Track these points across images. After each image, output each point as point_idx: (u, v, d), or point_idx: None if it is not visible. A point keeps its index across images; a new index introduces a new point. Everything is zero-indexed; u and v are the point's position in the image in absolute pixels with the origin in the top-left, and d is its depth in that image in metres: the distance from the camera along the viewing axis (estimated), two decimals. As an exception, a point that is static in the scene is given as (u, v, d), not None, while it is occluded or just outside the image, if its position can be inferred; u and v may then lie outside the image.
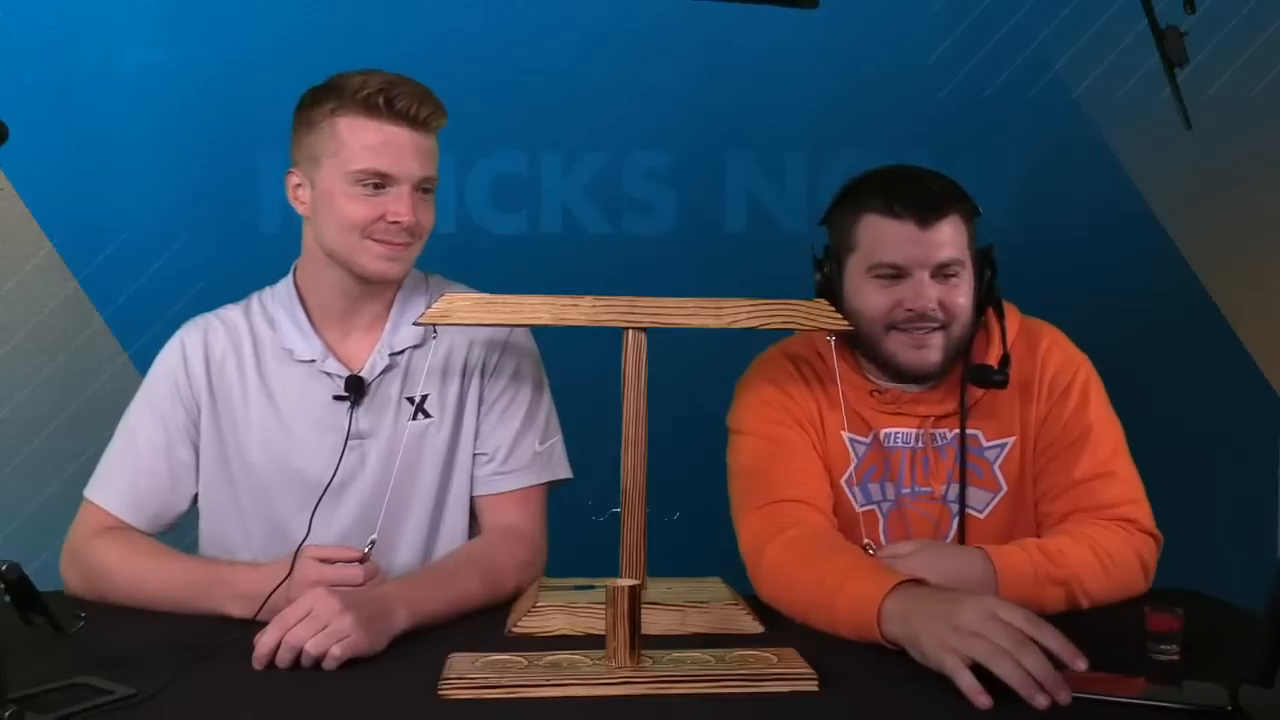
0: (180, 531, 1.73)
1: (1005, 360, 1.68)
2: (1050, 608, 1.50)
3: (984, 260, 1.71)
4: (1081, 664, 1.19)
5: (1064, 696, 1.16)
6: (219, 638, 1.38)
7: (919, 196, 1.65)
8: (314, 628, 1.31)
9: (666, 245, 2.74)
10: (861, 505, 1.69)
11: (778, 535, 1.58)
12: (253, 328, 1.73)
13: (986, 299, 1.71)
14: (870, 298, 1.68)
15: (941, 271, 1.66)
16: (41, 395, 2.62)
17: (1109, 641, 1.34)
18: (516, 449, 1.73)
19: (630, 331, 1.45)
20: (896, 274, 1.66)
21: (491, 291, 1.52)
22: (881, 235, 1.66)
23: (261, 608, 1.45)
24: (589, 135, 2.73)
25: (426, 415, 1.71)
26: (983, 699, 1.18)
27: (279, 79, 2.56)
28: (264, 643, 1.31)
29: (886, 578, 1.38)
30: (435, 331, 1.67)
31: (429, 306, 1.53)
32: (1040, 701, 1.16)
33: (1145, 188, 2.82)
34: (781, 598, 1.54)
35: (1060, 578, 1.53)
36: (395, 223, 1.61)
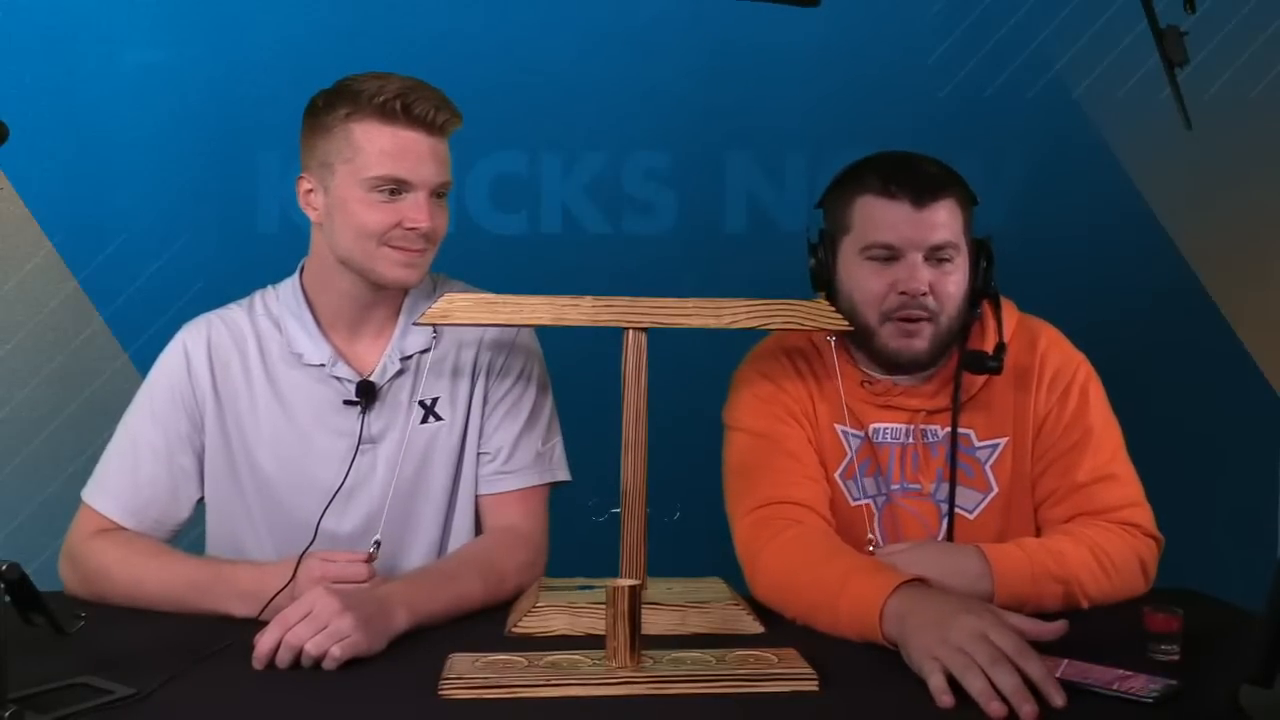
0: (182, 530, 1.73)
1: (1000, 348, 1.66)
2: (1049, 606, 1.50)
3: (980, 251, 1.69)
4: (1059, 700, 1.17)
5: (1028, 711, 1.15)
6: (219, 638, 1.38)
7: (915, 177, 1.64)
8: (314, 628, 1.31)
9: (666, 245, 2.74)
10: (856, 500, 1.69)
11: (775, 537, 1.58)
12: (257, 328, 1.71)
13: (983, 290, 1.70)
14: (863, 281, 1.66)
15: (935, 255, 1.64)
16: (41, 395, 2.63)
17: (1109, 641, 1.34)
18: (519, 449, 1.73)
19: (630, 331, 1.45)
20: (890, 255, 1.65)
21: (491, 291, 1.52)
22: (876, 215, 1.65)
23: (265, 608, 1.45)
24: (589, 135, 2.73)
25: (438, 418, 1.70)
26: (945, 698, 1.19)
27: (279, 79, 2.58)
28: (264, 642, 1.31)
29: (888, 578, 1.38)
30: (436, 331, 1.67)
31: None
32: (994, 709, 1.15)
33: (1145, 188, 2.82)
34: (782, 600, 1.54)
35: (1059, 577, 1.53)
36: (413, 229, 1.60)
